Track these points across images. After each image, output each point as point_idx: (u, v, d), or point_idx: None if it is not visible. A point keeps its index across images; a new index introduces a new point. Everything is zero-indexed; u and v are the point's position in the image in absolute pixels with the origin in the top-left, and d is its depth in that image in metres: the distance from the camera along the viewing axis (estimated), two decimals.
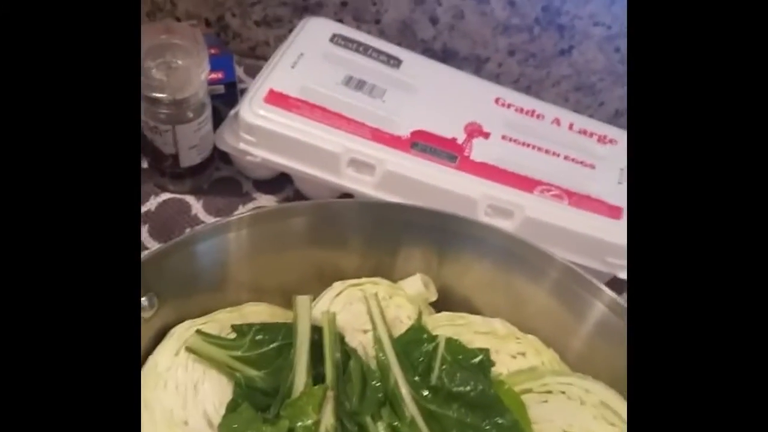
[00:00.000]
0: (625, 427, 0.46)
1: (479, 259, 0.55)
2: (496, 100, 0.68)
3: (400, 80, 0.67)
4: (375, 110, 0.63)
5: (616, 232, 0.59)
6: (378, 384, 0.48)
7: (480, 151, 0.63)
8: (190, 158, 0.64)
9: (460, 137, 0.64)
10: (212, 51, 0.66)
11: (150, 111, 0.60)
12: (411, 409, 0.47)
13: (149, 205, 0.66)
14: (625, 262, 0.59)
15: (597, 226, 0.59)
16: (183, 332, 0.48)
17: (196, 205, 0.67)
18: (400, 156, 0.61)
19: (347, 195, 0.63)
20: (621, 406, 0.47)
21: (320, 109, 0.62)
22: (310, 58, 0.66)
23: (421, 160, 0.61)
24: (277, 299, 0.54)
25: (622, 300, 0.50)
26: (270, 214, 0.52)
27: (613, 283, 0.60)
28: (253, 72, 0.73)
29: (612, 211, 0.60)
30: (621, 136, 0.67)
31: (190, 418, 0.44)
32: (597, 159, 0.64)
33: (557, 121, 0.67)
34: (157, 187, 0.67)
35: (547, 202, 0.60)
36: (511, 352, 0.50)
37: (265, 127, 0.61)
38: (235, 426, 0.44)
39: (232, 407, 0.45)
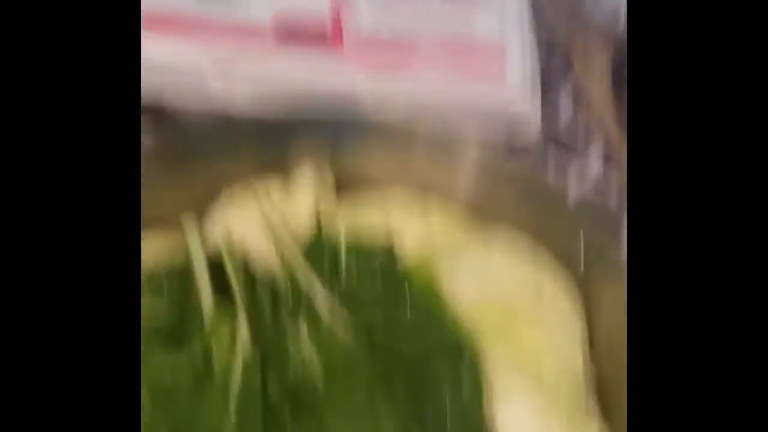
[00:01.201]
0: (536, 270, 0.46)
1: (373, 142, 0.53)
2: None
3: None
4: (230, 8, 0.58)
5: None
6: (288, 290, 0.47)
7: (352, 26, 0.59)
8: None
9: (327, 14, 0.59)
10: None
11: None
12: (327, 310, 0.46)
13: None
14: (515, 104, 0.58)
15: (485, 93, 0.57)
16: None
17: None
18: (265, 51, 0.57)
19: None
20: (530, 251, 0.47)
21: (173, 20, 0.56)
22: None
23: (290, 51, 0.57)
24: (174, 226, 0.51)
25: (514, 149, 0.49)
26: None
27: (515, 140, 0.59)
28: None
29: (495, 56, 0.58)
30: None
31: None
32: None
33: None
34: None
35: (431, 65, 0.58)
36: (417, 218, 0.50)
37: None
38: (147, 365, 0.42)
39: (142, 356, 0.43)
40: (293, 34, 0.58)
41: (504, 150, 0.49)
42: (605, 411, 0.44)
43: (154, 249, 0.48)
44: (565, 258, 0.47)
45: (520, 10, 0.62)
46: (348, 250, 0.47)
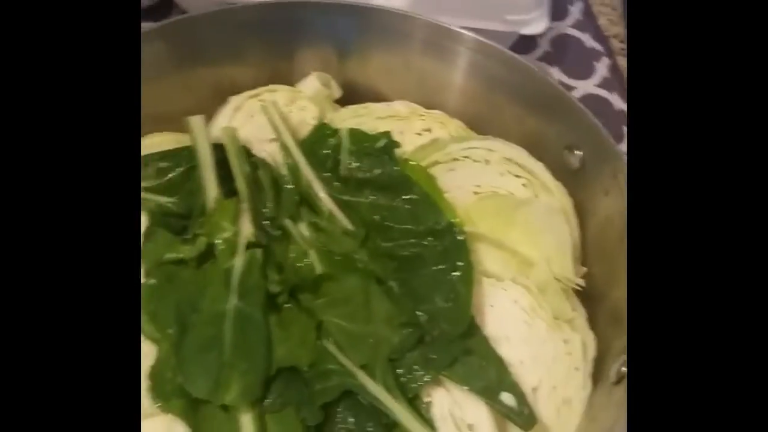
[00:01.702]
0: (529, 176, 0.47)
1: (378, 46, 0.54)
2: None
3: None
4: None
5: None
6: (291, 187, 0.48)
7: None
8: None
9: None
10: None
11: None
12: (327, 203, 0.47)
13: None
14: (523, 17, 0.58)
15: None
16: None
17: None
18: None
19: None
20: (523, 157, 0.48)
21: None
22: None
23: None
24: (181, 127, 0.53)
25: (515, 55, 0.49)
26: (147, 36, 0.49)
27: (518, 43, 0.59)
28: None
29: None
30: None
31: None
32: None
33: None
34: None
35: None
36: (416, 130, 0.51)
37: None
38: (155, 250, 0.44)
39: (148, 235, 0.45)
40: None
41: (505, 51, 0.49)
42: (592, 312, 0.45)
43: (164, 145, 0.50)
44: (561, 161, 0.48)
45: None
46: (348, 144, 0.48)
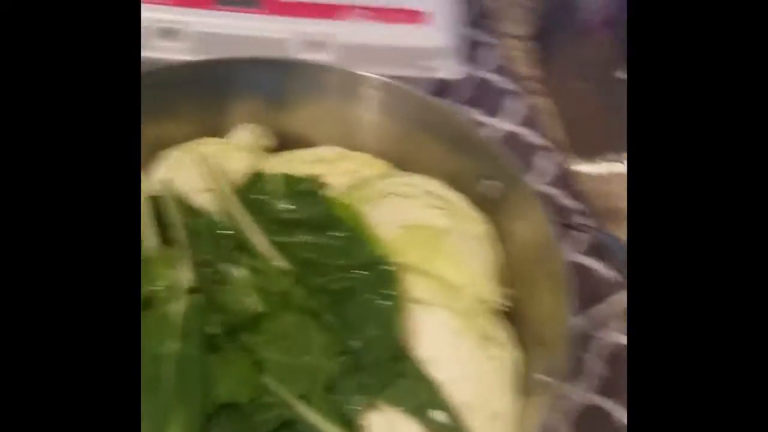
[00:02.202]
0: (450, 207, 0.50)
1: (303, 96, 0.57)
2: None
3: None
4: None
5: (421, 35, 0.61)
6: (227, 233, 0.51)
7: None
8: None
9: None
10: None
11: None
12: (262, 246, 0.50)
13: None
14: (439, 67, 0.63)
15: (404, 35, 0.61)
16: None
17: None
18: (204, 14, 0.61)
19: None
20: (445, 191, 0.51)
21: None
22: None
23: (226, 13, 0.61)
24: None
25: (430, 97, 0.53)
26: None
27: (435, 88, 0.63)
28: None
29: (415, 17, 0.62)
30: None
31: None
32: None
33: None
34: None
35: (357, 24, 0.62)
36: (343, 171, 0.54)
37: None
38: None
39: None
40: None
41: (423, 93, 0.53)
42: (519, 333, 0.48)
43: None
44: (478, 192, 0.52)
45: None
46: (279, 188, 0.51)
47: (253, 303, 0.47)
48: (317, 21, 0.61)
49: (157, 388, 0.41)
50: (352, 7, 0.62)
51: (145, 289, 0.46)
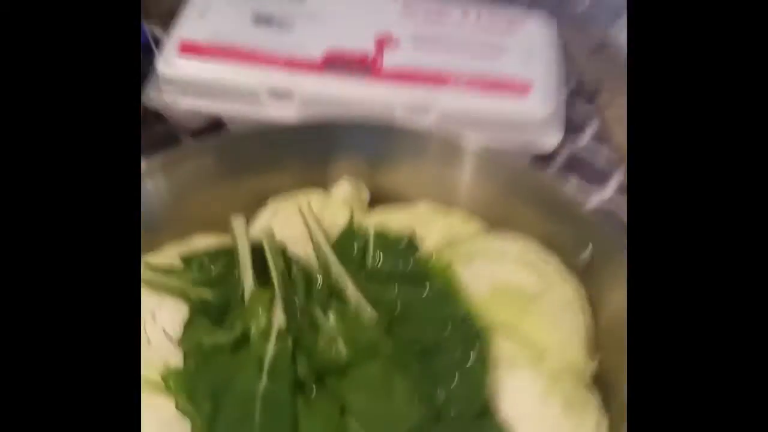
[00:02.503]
0: (542, 270, 0.50)
1: (405, 157, 0.60)
2: (404, 8, 0.71)
3: (305, 9, 0.70)
4: (286, 40, 0.67)
5: (523, 106, 0.63)
6: (321, 281, 0.53)
7: (391, 59, 0.66)
8: None
9: (371, 50, 0.67)
10: None
11: None
12: (353, 295, 0.51)
13: None
14: (538, 136, 0.64)
15: (506, 105, 0.63)
16: None
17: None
18: (314, 80, 0.65)
19: None
20: (537, 253, 0.51)
21: (233, 50, 0.66)
22: (216, 4, 0.69)
23: (336, 79, 0.65)
24: (224, 229, 0.58)
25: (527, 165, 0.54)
26: (182, 154, 0.56)
27: (534, 155, 0.64)
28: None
29: (518, 88, 0.64)
30: (527, 17, 0.71)
31: (152, 338, 0.48)
32: (505, 43, 0.68)
33: (465, 14, 0.71)
34: None
35: (460, 93, 0.64)
36: (438, 228, 0.55)
37: (184, 77, 0.65)
38: (194, 336, 0.48)
39: (188, 323, 0.49)
40: (339, 63, 0.65)
41: (520, 160, 0.54)
42: (606, 399, 0.47)
43: (208, 244, 0.55)
44: (572, 257, 0.52)
45: (549, 53, 0.69)
46: (375, 242, 0.53)
47: (341, 350, 0.48)
48: (423, 88, 0.64)
49: (246, 424, 0.42)
50: (461, 77, 0.64)
51: (242, 326, 0.48)
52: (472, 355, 0.45)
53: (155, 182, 0.54)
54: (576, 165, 0.71)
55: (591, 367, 0.48)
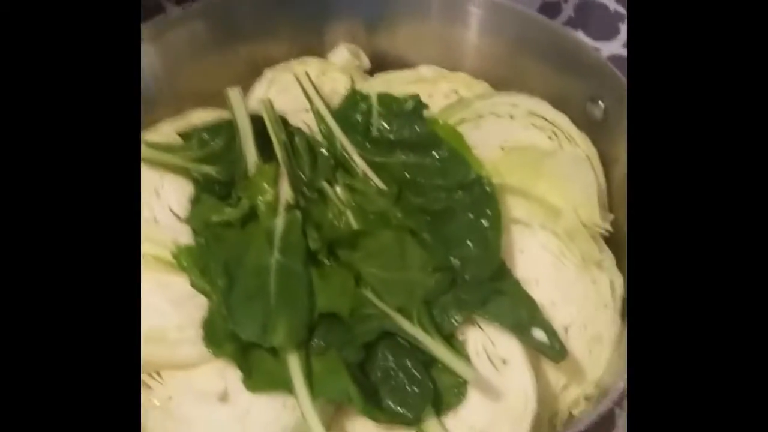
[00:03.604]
0: (553, 128, 0.49)
1: (402, 16, 0.56)
2: None
3: None
4: None
5: None
6: (326, 152, 0.51)
7: None
8: None
9: None
10: None
11: None
12: (360, 165, 0.50)
13: None
14: None
15: None
16: None
17: None
18: None
19: None
20: (547, 110, 0.49)
21: None
22: None
23: None
24: (221, 102, 0.55)
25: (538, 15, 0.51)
26: (173, 22, 0.52)
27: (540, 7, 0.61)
28: None
29: None
30: None
31: (158, 216, 0.48)
32: None
33: None
34: None
35: None
36: (442, 92, 0.53)
37: None
38: (202, 213, 0.47)
39: (195, 200, 0.48)
40: None
41: (525, 11, 0.51)
42: (619, 256, 0.47)
43: (206, 119, 0.53)
44: (583, 114, 0.50)
45: None
46: (378, 107, 0.51)
47: (350, 221, 0.47)
48: None
49: (262, 295, 0.42)
50: None
51: (249, 202, 0.47)
52: (485, 217, 0.45)
53: (145, 53, 0.51)
54: (584, 19, 0.68)
55: (605, 225, 0.47)
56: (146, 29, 0.51)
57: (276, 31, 0.56)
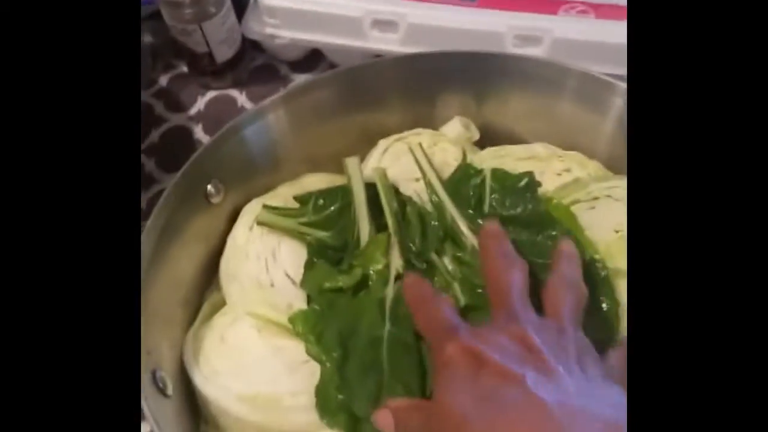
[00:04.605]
0: None
1: (514, 91, 0.57)
2: None
3: None
4: None
5: None
6: (436, 223, 0.52)
7: None
8: (223, 53, 0.66)
9: None
10: None
11: (175, 14, 0.63)
12: (470, 238, 0.50)
13: (198, 106, 0.70)
14: None
15: (622, 32, 0.59)
16: (252, 209, 0.52)
17: (240, 97, 0.70)
18: (419, 7, 0.62)
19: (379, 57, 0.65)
20: None
21: None
22: None
23: (441, 6, 0.62)
24: (333, 167, 0.57)
25: None
26: (304, 88, 0.54)
27: None
28: None
29: None
30: None
31: (274, 280, 0.49)
32: None
33: None
34: (201, 87, 0.70)
35: (573, 19, 0.60)
36: (556, 170, 0.53)
37: (285, 7, 0.63)
38: (315, 279, 0.48)
39: (309, 265, 0.50)
40: None
41: None
42: None
43: (319, 184, 0.55)
44: None
45: None
46: (492, 181, 0.51)
47: (457, 294, 0.48)
48: (533, 15, 0.61)
49: (376, 370, 0.43)
50: (573, 3, 0.61)
51: (361, 270, 0.48)
52: (599, 301, 0.44)
53: (277, 119, 0.54)
54: None
55: None
56: (279, 95, 0.53)
57: (391, 101, 0.58)
